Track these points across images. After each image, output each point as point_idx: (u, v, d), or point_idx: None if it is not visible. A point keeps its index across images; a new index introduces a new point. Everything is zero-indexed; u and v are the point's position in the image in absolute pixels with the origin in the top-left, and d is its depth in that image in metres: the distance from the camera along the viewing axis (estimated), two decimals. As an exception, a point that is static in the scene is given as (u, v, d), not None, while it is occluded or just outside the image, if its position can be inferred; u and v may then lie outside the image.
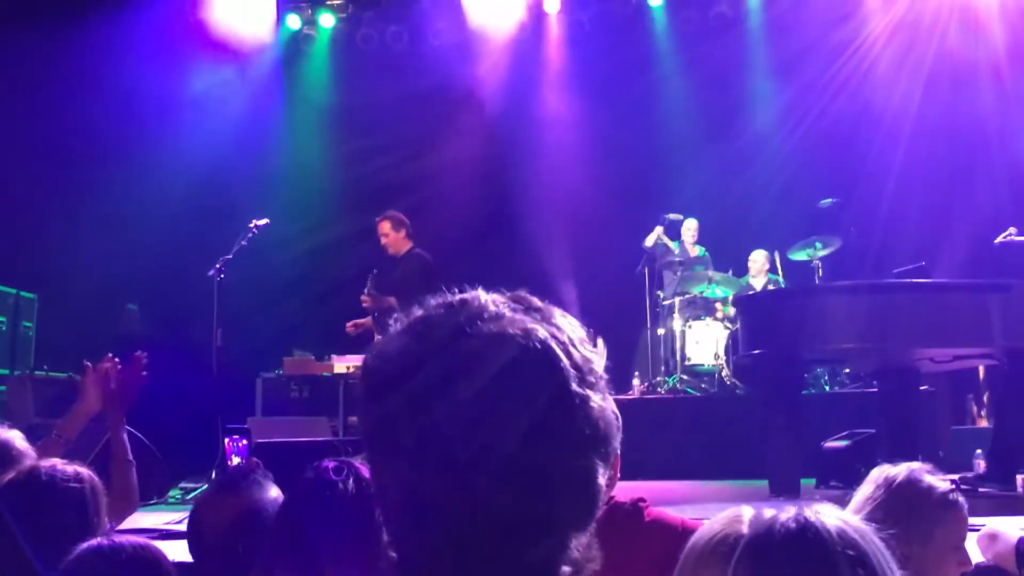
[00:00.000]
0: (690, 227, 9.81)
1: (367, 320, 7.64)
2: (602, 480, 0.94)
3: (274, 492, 2.22)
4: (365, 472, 1.80)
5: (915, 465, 2.27)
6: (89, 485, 2.25)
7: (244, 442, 3.98)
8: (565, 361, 0.92)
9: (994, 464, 5.88)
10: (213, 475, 6.61)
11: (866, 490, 2.23)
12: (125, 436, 3.03)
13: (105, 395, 3.13)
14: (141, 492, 3.11)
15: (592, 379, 0.94)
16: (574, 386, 0.92)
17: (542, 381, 0.91)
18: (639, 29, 10.66)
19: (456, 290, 1.00)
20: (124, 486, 2.82)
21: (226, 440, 3.95)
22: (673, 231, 9.80)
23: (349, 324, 7.67)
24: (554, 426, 0.90)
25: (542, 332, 0.93)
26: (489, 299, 0.97)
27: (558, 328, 0.95)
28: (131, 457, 2.96)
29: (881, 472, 2.25)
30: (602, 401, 0.94)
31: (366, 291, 7.32)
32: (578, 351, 0.95)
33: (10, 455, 2.50)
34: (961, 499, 2.23)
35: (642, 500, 2.37)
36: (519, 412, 0.89)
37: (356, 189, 10.48)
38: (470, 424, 0.88)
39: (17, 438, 2.64)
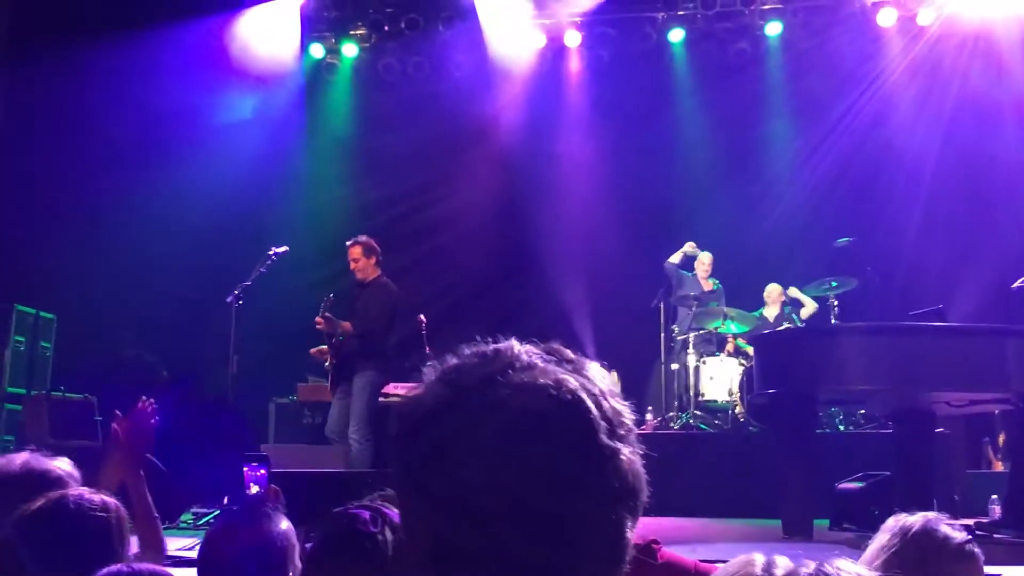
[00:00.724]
0: (704, 261, 9.80)
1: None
2: (631, 534, 0.94)
3: (284, 524, 2.22)
4: (396, 518, 1.78)
5: (931, 514, 2.25)
6: (115, 515, 2.27)
7: (263, 471, 3.95)
8: (596, 413, 0.92)
9: (1010, 510, 5.82)
10: (225, 500, 6.62)
11: (881, 539, 2.21)
12: (145, 490, 2.86)
13: (113, 450, 2.95)
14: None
15: (623, 432, 0.94)
16: (604, 438, 0.92)
17: (572, 432, 0.91)
18: (659, 64, 10.71)
19: (490, 339, 1.00)
20: (152, 542, 2.79)
21: (244, 468, 3.92)
22: (687, 264, 9.80)
23: (314, 350, 7.60)
24: (583, 478, 0.90)
25: (573, 383, 0.93)
26: (522, 349, 0.97)
27: (590, 380, 0.96)
28: (156, 513, 2.91)
29: (897, 521, 2.23)
30: (632, 454, 0.94)
31: (320, 314, 7.23)
32: (609, 403, 0.95)
33: (50, 482, 2.48)
34: (977, 550, 2.20)
35: (655, 542, 2.36)
36: (548, 463, 0.89)
37: (375, 218, 10.51)
38: (498, 473, 0.88)
39: (64, 464, 2.62)
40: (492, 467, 0.89)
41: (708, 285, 9.81)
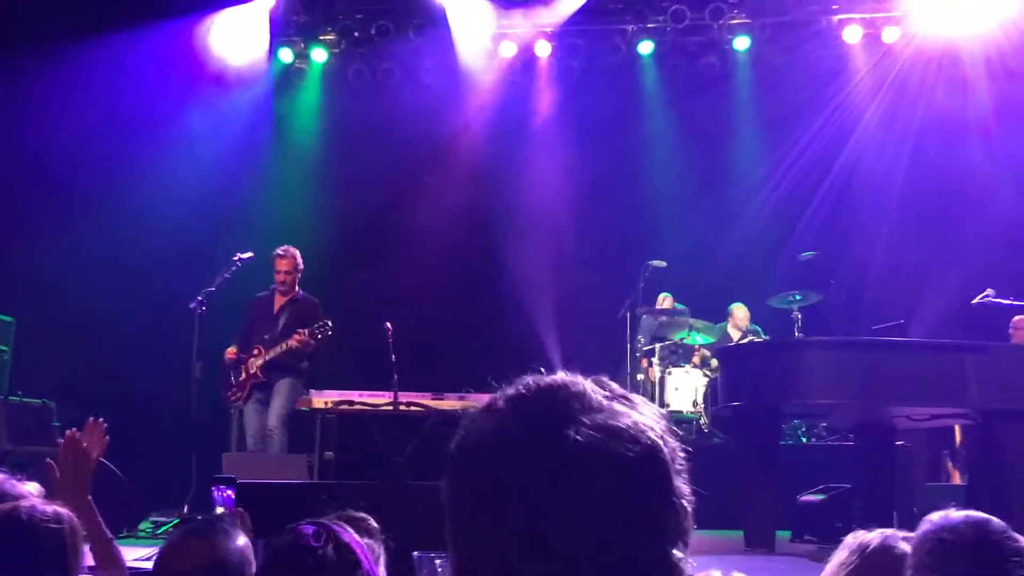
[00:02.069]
0: (663, 303, 9.72)
1: (236, 353, 7.46)
2: (685, 567, 0.97)
3: (241, 540, 2.20)
4: (344, 536, 1.78)
5: (889, 531, 2.27)
6: (68, 526, 2.23)
7: (230, 492, 3.94)
8: (667, 455, 0.96)
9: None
10: (185, 509, 6.56)
11: (840, 555, 2.23)
12: (97, 515, 2.74)
13: (59, 478, 2.80)
14: (112, 524, 3.02)
15: (680, 468, 0.98)
16: (676, 482, 0.96)
17: (651, 477, 0.94)
18: (629, 76, 10.76)
19: (544, 370, 1.03)
20: (110, 563, 2.73)
21: (212, 489, 3.92)
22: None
23: (231, 352, 7.47)
24: (659, 521, 0.94)
25: (646, 423, 0.97)
26: (588, 386, 1.00)
27: (651, 419, 0.99)
28: (109, 535, 2.85)
29: (855, 537, 2.25)
30: (689, 493, 0.98)
31: (312, 331, 7.16)
32: (670, 442, 0.98)
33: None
34: (935, 567, 2.22)
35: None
36: (628, 506, 0.92)
37: (342, 225, 10.49)
38: (580, 513, 0.91)
39: (33, 490, 2.57)
40: (575, 506, 0.91)
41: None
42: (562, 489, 0.91)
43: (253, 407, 7.39)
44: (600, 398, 0.98)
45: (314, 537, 1.78)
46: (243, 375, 7.42)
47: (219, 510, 3.84)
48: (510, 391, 1.01)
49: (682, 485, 0.97)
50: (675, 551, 0.94)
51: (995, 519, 2.05)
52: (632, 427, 0.95)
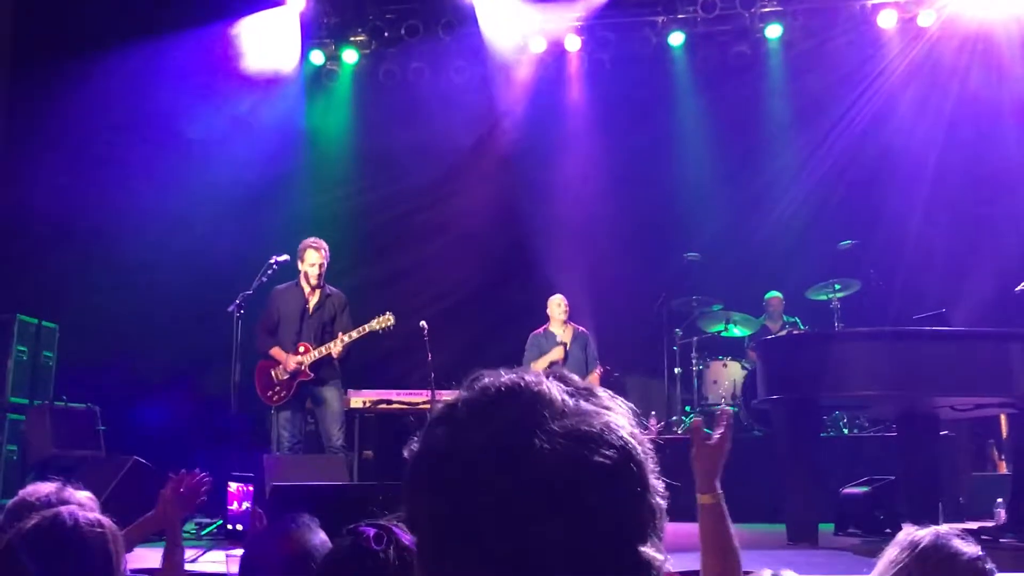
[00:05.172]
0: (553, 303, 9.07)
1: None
2: (661, 556, 0.93)
3: (323, 535, 2.25)
4: (405, 538, 1.78)
5: (942, 528, 2.23)
6: (110, 532, 2.28)
7: (250, 487, 3.97)
8: (641, 454, 0.92)
9: (1014, 515, 5.81)
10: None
11: (891, 553, 2.20)
12: (182, 542, 3.04)
13: (165, 511, 3.08)
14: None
15: (653, 463, 0.94)
16: (651, 479, 0.92)
17: (627, 481, 0.90)
18: (660, 68, 10.69)
19: (501, 371, 0.96)
20: (174, 566, 2.94)
21: (232, 484, 3.91)
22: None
23: (288, 356, 7.26)
24: (634, 523, 0.90)
25: (617, 423, 0.92)
26: (550, 384, 0.94)
27: (622, 416, 0.94)
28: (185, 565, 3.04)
29: (907, 535, 2.21)
30: (662, 487, 0.94)
31: (372, 326, 7.13)
32: (638, 435, 0.94)
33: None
34: (990, 565, 2.18)
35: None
36: (606, 513, 0.88)
37: (376, 225, 10.55)
38: (561, 528, 0.86)
39: (86, 497, 2.63)
40: (554, 523, 0.86)
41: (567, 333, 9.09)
42: (537, 505, 0.85)
43: (294, 407, 7.28)
44: (565, 397, 0.92)
45: (375, 540, 1.78)
46: (287, 374, 7.20)
47: (235, 506, 3.86)
48: (467, 395, 0.94)
49: (656, 482, 0.93)
50: (646, 548, 0.89)
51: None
52: (604, 430, 0.89)
